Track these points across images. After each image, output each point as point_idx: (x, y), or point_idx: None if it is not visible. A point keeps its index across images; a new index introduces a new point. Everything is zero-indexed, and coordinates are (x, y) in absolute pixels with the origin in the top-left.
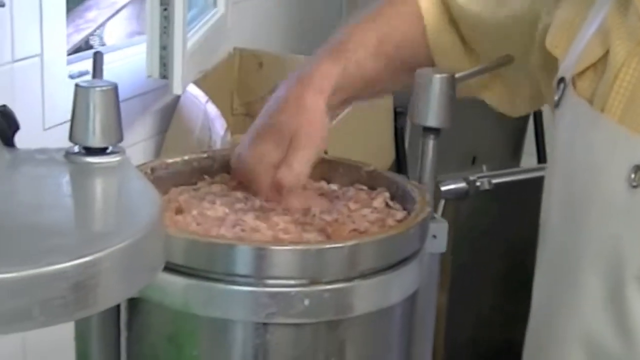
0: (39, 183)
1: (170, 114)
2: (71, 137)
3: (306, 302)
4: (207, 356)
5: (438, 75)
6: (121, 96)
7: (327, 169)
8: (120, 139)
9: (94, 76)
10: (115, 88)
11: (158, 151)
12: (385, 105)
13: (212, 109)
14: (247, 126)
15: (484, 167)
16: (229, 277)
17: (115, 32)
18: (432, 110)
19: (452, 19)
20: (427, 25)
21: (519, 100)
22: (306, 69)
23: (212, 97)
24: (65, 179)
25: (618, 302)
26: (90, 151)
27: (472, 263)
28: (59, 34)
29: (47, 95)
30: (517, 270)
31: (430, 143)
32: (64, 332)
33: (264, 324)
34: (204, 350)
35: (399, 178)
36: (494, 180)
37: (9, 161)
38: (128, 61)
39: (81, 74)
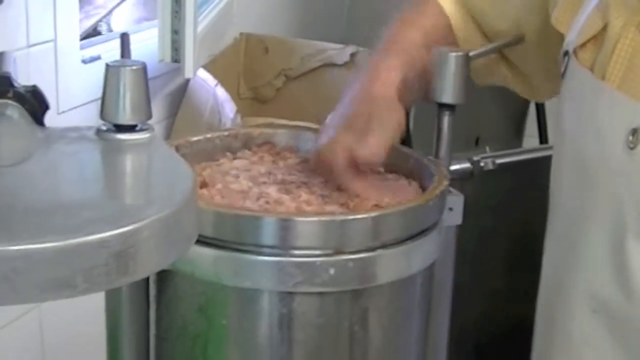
0: (74, 159)
1: (179, 98)
2: (102, 115)
3: (331, 271)
4: (236, 325)
5: (453, 54)
6: None
7: None
8: (150, 117)
9: (122, 56)
10: (144, 67)
11: (168, 134)
12: None
13: (221, 93)
14: (253, 110)
15: (487, 148)
16: (257, 248)
17: (122, 18)
18: (447, 87)
19: (470, 14)
20: (452, 22)
21: (537, 84)
22: (371, 65)
23: (219, 81)
24: (100, 155)
25: (619, 257)
26: (120, 128)
27: (478, 242)
28: (72, 20)
29: (60, 79)
30: (522, 247)
31: (446, 119)
32: (82, 328)
33: (290, 293)
34: (233, 320)
35: (415, 153)
36: (498, 161)
37: (43, 139)
38: (137, 46)
39: (93, 59)
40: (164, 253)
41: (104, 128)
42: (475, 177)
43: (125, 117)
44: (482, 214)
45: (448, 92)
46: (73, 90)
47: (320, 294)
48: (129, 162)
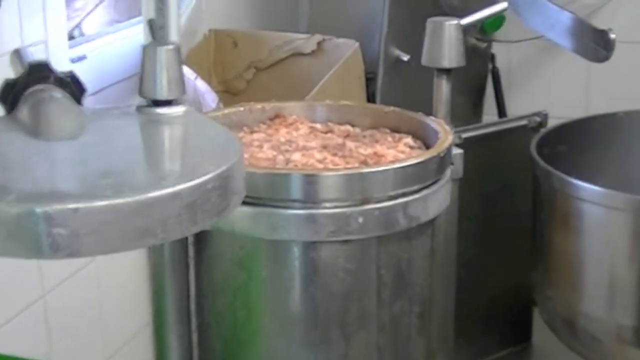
0: (124, 131)
1: None
2: (141, 92)
3: (360, 220)
4: (273, 276)
5: (448, 23)
6: (111, 80)
7: (350, 113)
8: (184, 92)
9: (153, 39)
10: (177, 47)
11: None
12: (358, 72)
13: (201, 85)
14: (226, 102)
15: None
16: (291, 204)
17: (93, 21)
18: (444, 53)
19: None
20: None
21: None
22: None
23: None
24: (147, 127)
25: None
26: (157, 104)
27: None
28: (61, 21)
29: None
30: (494, 215)
31: (443, 83)
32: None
33: (322, 242)
34: (271, 271)
35: (417, 115)
36: (464, 135)
37: (90, 117)
38: (114, 46)
39: (80, 59)
40: (224, 204)
41: (144, 104)
42: None
43: (163, 92)
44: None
45: (445, 57)
46: None
47: (349, 241)
48: (176, 131)
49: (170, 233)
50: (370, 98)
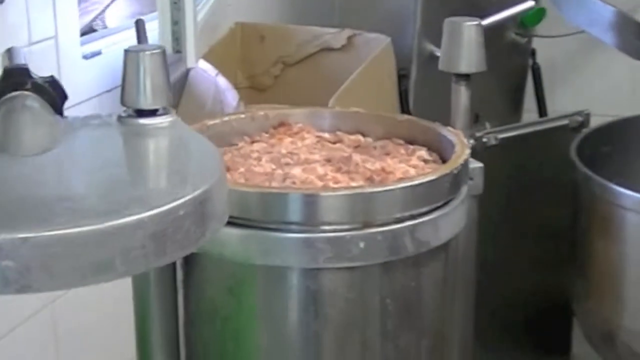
0: (99, 145)
1: (180, 89)
2: (123, 101)
3: (361, 245)
4: (266, 305)
5: (467, 23)
6: None
7: (361, 121)
8: (170, 100)
9: (139, 42)
10: (163, 51)
11: None
12: (389, 69)
13: (222, 82)
14: (252, 99)
15: (487, 125)
16: (285, 226)
17: (116, 14)
18: (463, 57)
19: None
20: None
21: None
22: None
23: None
24: (124, 140)
25: None
26: (141, 113)
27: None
28: (72, 16)
29: (63, 76)
30: (533, 219)
31: (462, 89)
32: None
33: (320, 269)
34: (263, 300)
35: (434, 125)
36: (500, 136)
37: (65, 128)
38: (132, 42)
39: (94, 55)
40: (200, 231)
41: (125, 114)
42: (478, 153)
43: (146, 101)
44: (488, 191)
45: (463, 61)
46: (75, 87)
47: (350, 268)
48: (155, 145)
49: (132, 267)
50: (403, 96)
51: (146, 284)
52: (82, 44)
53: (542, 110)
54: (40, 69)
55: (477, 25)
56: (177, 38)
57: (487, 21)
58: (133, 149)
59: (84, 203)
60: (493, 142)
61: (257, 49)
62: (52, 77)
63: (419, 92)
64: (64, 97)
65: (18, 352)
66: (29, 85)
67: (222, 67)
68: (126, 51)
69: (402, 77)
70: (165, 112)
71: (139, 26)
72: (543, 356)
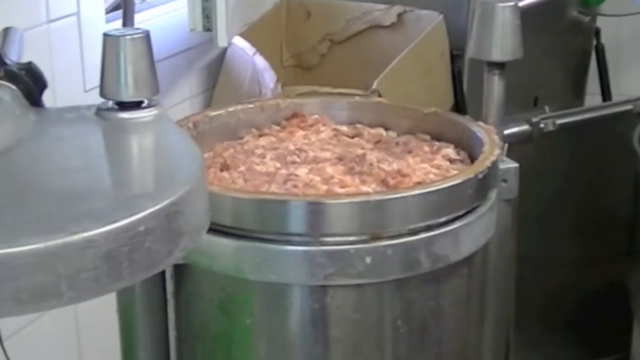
0: (69, 144)
1: (217, 69)
2: (102, 92)
3: (367, 260)
4: (262, 324)
5: (501, 5)
6: (165, 53)
7: (383, 113)
8: (156, 91)
9: (124, 24)
10: (147, 35)
11: (207, 108)
12: (441, 48)
13: (260, 61)
14: (297, 78)
15: (547, 108)
16: (282, 237)
17: None
18: (495, 43)
19: None
20: None
21: None
22: None
23: (261, 49)
24: (98, 137)
25: None
26: (123, 106)
27: (542, 209)
28: None
29: (86, 55)
30: (589, 212)
31: (495, 79)
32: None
33: (322, 286)
34: (259, 318)
35: (463, 119)
36: (559, 121)
37: (36, 122)
38: (170, 16)
39: None
40: (166, 250)
41: (105, 107)
42: (534, 139)
43: (128, 93)
44: (544, 179)
45: (496, 48)
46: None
47: (357, 286)
48: (130, 145)
49: (82, 292)
50: (456, 77)
51: (131, 296)
52: (108, 21)
53: (605, 94)
54: (60, 49)
55: (512, 6)
56: (208, 15)
57: (524, 2)
58: (104, 150)
59: (27, 216)
60: (550, 127)
61: (303, 25)
62: (30, 63)
63: (472, 73)
64: (42, 85)
65: (40, 341)
66: (1, 73)
67: (266, 44)
68: (105, 35)
69: (455, 57)
70: (151, 105)
71: (127, 5)
72: (600, 355)
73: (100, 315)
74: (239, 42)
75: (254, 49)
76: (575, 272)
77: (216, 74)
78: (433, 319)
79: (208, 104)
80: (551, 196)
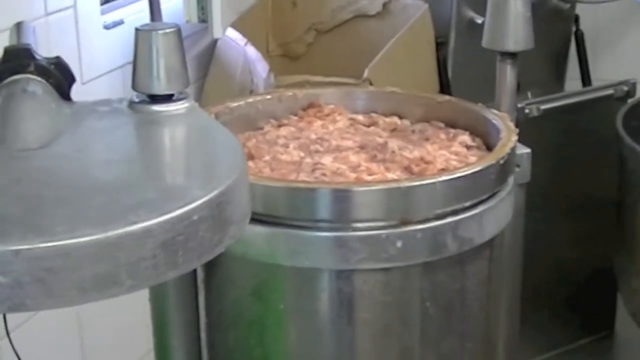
0: (106, 137)
1: (208, 59)
2: (134, 86)
3: (398, 244)
4: (295, 309)
5: None
6: None
7: (397, 102)
8: (187, 84)
9: (152, 19)
10: (178, 30)
11: (197, 98)
12: (427, 36)
13: (252, 52)
14: (284, 67)
15: (529, 94)
16: (315, 224)
17: None
18: (509, 34)
19: None
20: None
21: None
22: None
23: (248, 40)
24: (133, 130)
25: None
26: (155, 99)
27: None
28: None
29: (83, 48)
30: (579, 192)
31: (508, 68)
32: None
33: (353, 270)
34: (292, 303)
35: (477, 107)
36: (543, 107)
37: (71, 115)
38: (163, 7)
39: (116, 24)
40: (216, 238)
41: (137, 99)
42: (519, 125)
43: (160, 86)
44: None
45: (510, 39)
46: (96, 59)
47: (387, 269)
48: (168, 137)
49: (141, 280)
50: (441, 64)
51: (163, 285)
52: (103, 13)
53: (585, 79)
54: (58, 42)
55: None
56: (203, 7)
57: None
58: (144, 142)
59: (85, 207)
60: (535, 113)
61: (289, 15)
62: (57, 57)
63: (457, 61)
64: (71, 79)
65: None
66: (31, 68)
67: (253, 35)
68: (137, 30)
69: (441, 45)
70: (182, 98)
71: (153, 2)
72: (585, 333)
73: (102, 307)
74: (230, 33)
75: (245, 40)
76: (562, 253)
77: (207, 64)
78: (458, 299)
79: (199, 94)
80: (537, 180)
